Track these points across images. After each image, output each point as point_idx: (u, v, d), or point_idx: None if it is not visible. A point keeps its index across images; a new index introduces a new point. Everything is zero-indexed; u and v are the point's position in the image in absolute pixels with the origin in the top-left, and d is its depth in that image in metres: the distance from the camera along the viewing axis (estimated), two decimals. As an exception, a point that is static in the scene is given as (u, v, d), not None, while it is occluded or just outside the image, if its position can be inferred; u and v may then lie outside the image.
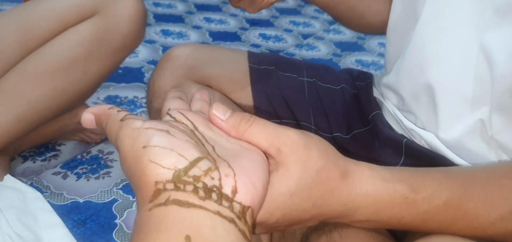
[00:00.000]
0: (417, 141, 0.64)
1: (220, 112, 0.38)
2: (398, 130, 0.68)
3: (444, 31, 0.58)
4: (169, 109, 0.40)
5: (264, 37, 2.06)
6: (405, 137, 0.65)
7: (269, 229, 0.39)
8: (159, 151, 0.31)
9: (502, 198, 0.42)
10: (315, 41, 2.11)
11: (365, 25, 0.80)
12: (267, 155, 0.37)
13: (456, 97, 0.58)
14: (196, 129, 0.37)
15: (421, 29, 0.60)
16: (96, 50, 0.91)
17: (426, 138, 0.62)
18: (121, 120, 0.35)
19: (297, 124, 0.76)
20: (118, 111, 0.36)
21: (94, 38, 0.90)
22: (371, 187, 0.39)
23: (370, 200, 0.39)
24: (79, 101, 1.01)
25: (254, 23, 2.20)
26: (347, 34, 2.24)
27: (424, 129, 0.63)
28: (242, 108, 0.77)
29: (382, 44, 2.17)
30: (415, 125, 0.64)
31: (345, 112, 0.75)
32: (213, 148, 0.35)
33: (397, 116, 0.67)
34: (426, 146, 0.63)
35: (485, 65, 0.55)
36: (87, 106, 1.12)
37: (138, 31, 0.96)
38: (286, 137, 0.37)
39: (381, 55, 2.06)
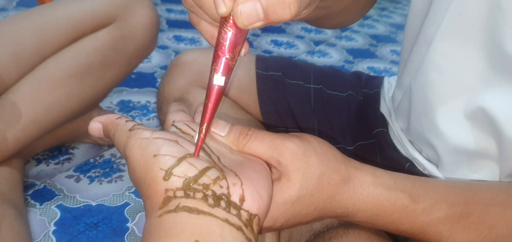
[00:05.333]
0: (421, 168, 0.63)
1: (219, 129, 0.39)
2: (402, 152, 0.67)
3: (446, 76, 0.54)
4: (174, 121, 0.41)
5: (276, 43, 2.07)
6: (409, 161, 0.65)
7: (274, 230, 0.40)
8: (170, 159, 0.32)
9: (504, 218, 0.42)
10: (327, 47, 2.11)
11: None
12: (269, 164, 0.38)
13: (457, 148, 0.55)
14: None
15: (426, 68, 0.56)
16: (111, 57, 0.93)
17: (430, 169, 0.61)
18: (130, 130, 0.36)
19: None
20: (126, 121, 0.37)
21: (110, 46, 0.92)
22: (371, 193, 0.40)
23: (370, 205, 0.40)
24: (93, 105, 1.03)
25: (266, 29, 2.21)
26: (359, 41, 2.24)
27: (429, 161, 0.62)
28: (250, 115, 0.77)
29: (394, 52, 2.17)
30: (420, 153, 0.63)
31: (349, 123, 0.75)
32: (218, 158, 0.37)
33: (402, 142, 0.66)
34: (429, 175, 0.62)
35: (486, 122, 0.52)
36: (101, 109, 1.14)
37: (151, 40, 0.98)
38: (284, 148, 0.38)
39: (393, 62, 2.05)
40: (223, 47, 0.34)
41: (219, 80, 0.35)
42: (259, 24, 0.32)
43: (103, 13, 0.92)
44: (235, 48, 0.34)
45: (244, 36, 0.35)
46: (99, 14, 0.92)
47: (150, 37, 0.97)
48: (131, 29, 0.94)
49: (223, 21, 0.33)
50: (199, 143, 0.35)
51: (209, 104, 0.35)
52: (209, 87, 0.35)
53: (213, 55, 0.35)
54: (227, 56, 0.34)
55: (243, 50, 0.37)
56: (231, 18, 0.33)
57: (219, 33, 0.34)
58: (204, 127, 0.36)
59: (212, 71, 0.35)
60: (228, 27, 0.33)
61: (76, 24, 0.90)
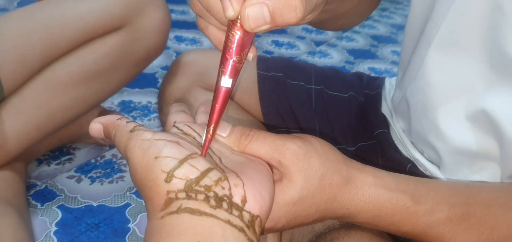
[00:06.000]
0: (422, 169, 0.63)
1: (220, 130, 0.40)
2: (404, 153, 0.67)
3: (447, 77, 0.54)
4: (175, 122, 0.41)
5: (277, 44, 2.07)
6: (410, 162, 0.65)
7: (275, 231, 0.40)
8: (171, 161, 0.32)
9: (505, 220, 0.42)
10: (328, 48, 2.11)
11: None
12: (270, 165, 0.38)
13: (458, 149, 0.55)
14: None
15: (427, 69, 0.56)
16: (120, 62, 0.90)
17: (431, 170, 0.61)
18: (131, 131, 0.36)
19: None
20: (127, 122, 0.37)
21: (120, 51, 0.89)
22: (373, 194, 0.40)
23: (371, 206, 0.40)
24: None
25: (267, 29, 2.20)
26: (360, 42, 2.24)
27: (430, 162, 0.62)
28: (251, 115, 0.77)
29: (395, 52, 2.17)
30: (422, 154, 0.63)
31: (351, 124, 0.75)
32: (220, 159, 0.37)
33: (404, 142, 0.66)
34: (430, 176, 0.62)
35: (488, 124, 0.52)
36: (103, 108, 1.14)
37: (162, 43, 0.95)
38: (285, 148, 0.38)
39: (394, 63, 2.05)
40: (230, 50, 0.35)
41: (226, 82, 0.35)
42: (266, 27, 0.32)
43: (115, 15, 0.88)
44: (242, 51, 0.35)
45: (251, 40, 0.36)
46: (110, 17, 0.88)
47: (161, 41, 0.93)
48: (143, 33, 0.90)
49: (231, 24, 0.34)
50: (206, 143, 0.36)
51: (216, 105, 0.36)
52: (216, 89, 0.36)
53: (220, 58, 0.35)
54: (235, 59, 0.35)
55: (251, 54, 0.38)
56: (239, 21, 0.33)
57: (227, 36, 0.35)
58: (211, 127, 0.37)
59: (220, 73, 0.35)
60: (236, 30, 0.34)
61: (86, 27, 0.86)
